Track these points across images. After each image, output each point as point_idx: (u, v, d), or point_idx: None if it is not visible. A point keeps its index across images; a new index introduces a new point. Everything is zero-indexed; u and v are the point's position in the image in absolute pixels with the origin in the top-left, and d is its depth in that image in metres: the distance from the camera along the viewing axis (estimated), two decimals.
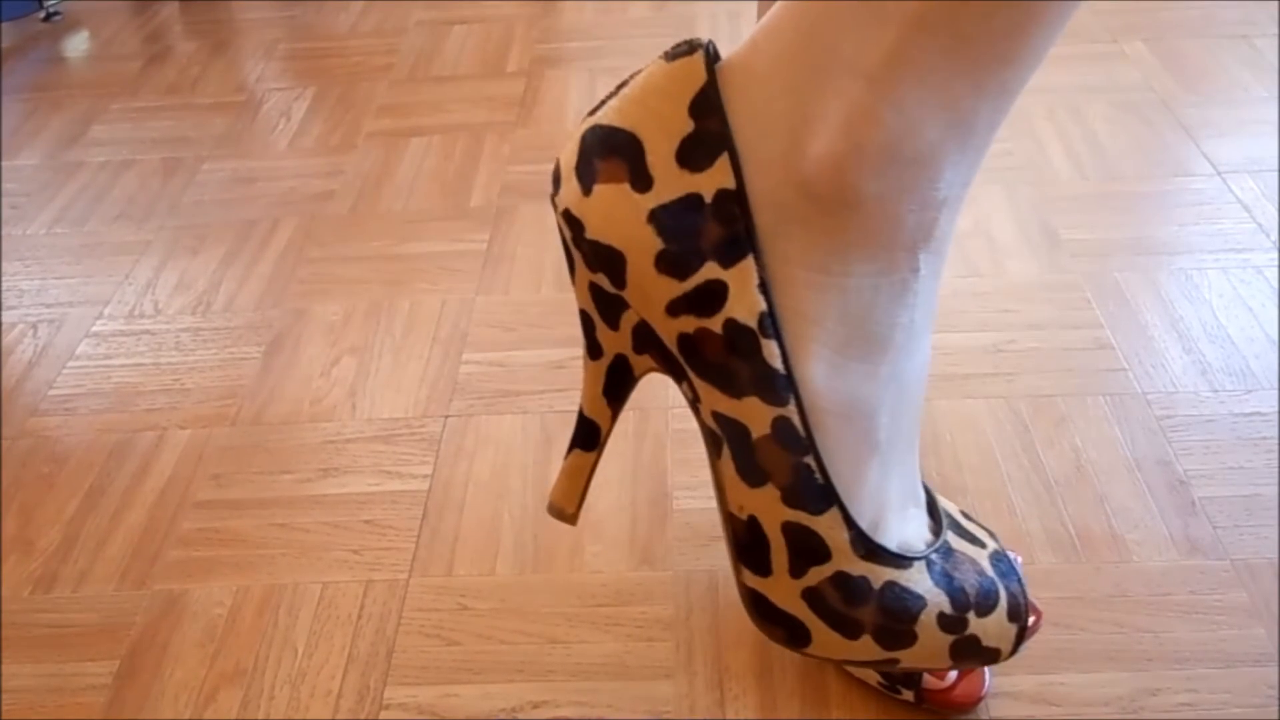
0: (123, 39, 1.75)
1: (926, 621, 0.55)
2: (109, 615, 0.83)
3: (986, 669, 0.72)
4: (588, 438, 0.60)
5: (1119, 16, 1.58)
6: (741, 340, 0.47)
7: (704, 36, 0.52)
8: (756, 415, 0.48)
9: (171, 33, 1.77)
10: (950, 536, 0.58)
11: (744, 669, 0.76)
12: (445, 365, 1.04)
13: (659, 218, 0.47)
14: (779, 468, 0.49)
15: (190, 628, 0.82)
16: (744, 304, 0.47)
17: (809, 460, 0.49)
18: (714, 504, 0.87)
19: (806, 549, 0.51)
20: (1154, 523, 0.85)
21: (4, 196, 1.37)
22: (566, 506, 0.63)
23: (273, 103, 1.53)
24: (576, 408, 0.94)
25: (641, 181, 0.47)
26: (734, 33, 1.60)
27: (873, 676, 0.73)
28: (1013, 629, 0.57)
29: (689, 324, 0.48)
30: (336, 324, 1.11)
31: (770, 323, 0.47)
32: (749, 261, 0.47)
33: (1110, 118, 1.35)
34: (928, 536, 0.58)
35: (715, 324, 0.47)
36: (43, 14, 1.80)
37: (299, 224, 1.27)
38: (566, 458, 0.65)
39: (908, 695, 0.72)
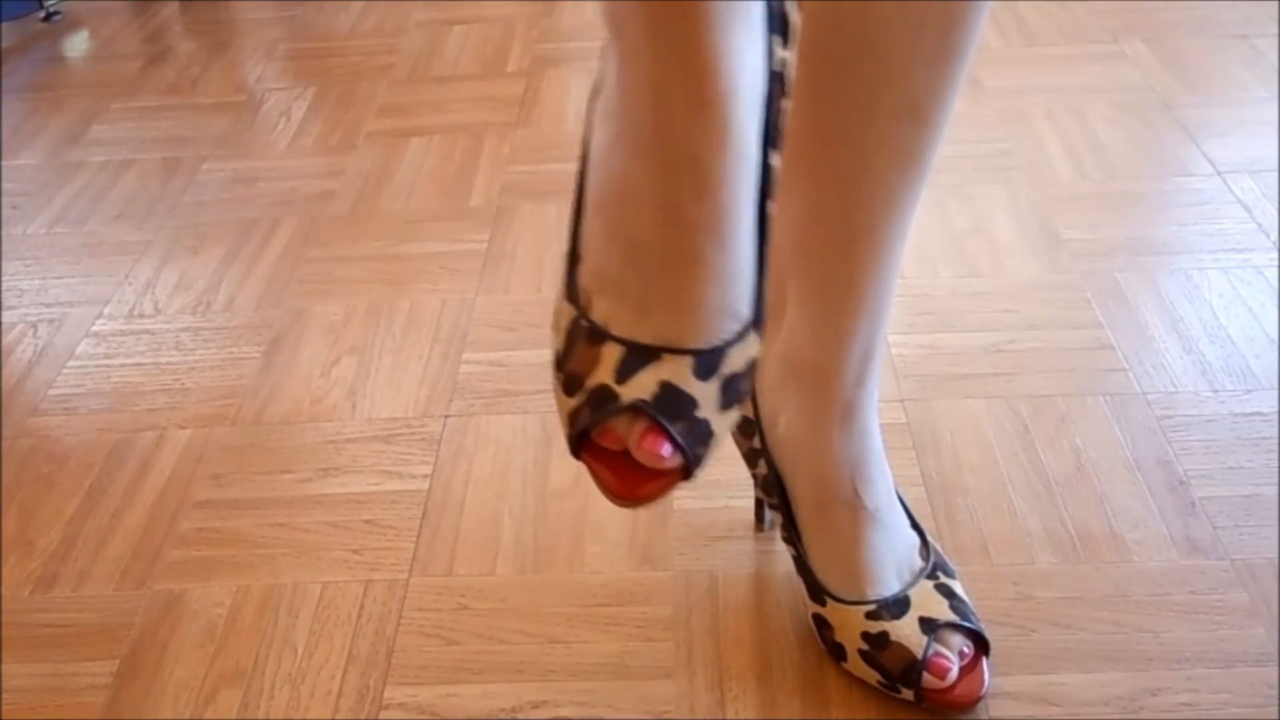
0: (123, 39, 1.75)
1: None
2: (109, 615, 0.83)
3: (986, 669, 0.72)
4: None
5: (1119, 16, 1.58)
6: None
7: None
8: None
9: (171, 33, 1.77)
10: None
11: (744, 669, 0.76)
12: (445, 365, 1.04)
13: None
14: None
15: (190, 627, 0.82)
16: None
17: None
18: (714, 504, 0.88)
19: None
20: (1154, 523, 0.85)
21: (4, 196, 1.37)
22: None
23: (273, 103, 1.53)
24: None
25: None
26: None
27: (872, 676, 0.73)
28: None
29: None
30: (336, 324, 1.11)
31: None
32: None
33: (1110, 118, 1.35)
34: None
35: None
36: (43, 14, 1.80)
37: (299, 224, 1.27)
38: None
39: (907, 695, 0.72)
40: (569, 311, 0.59)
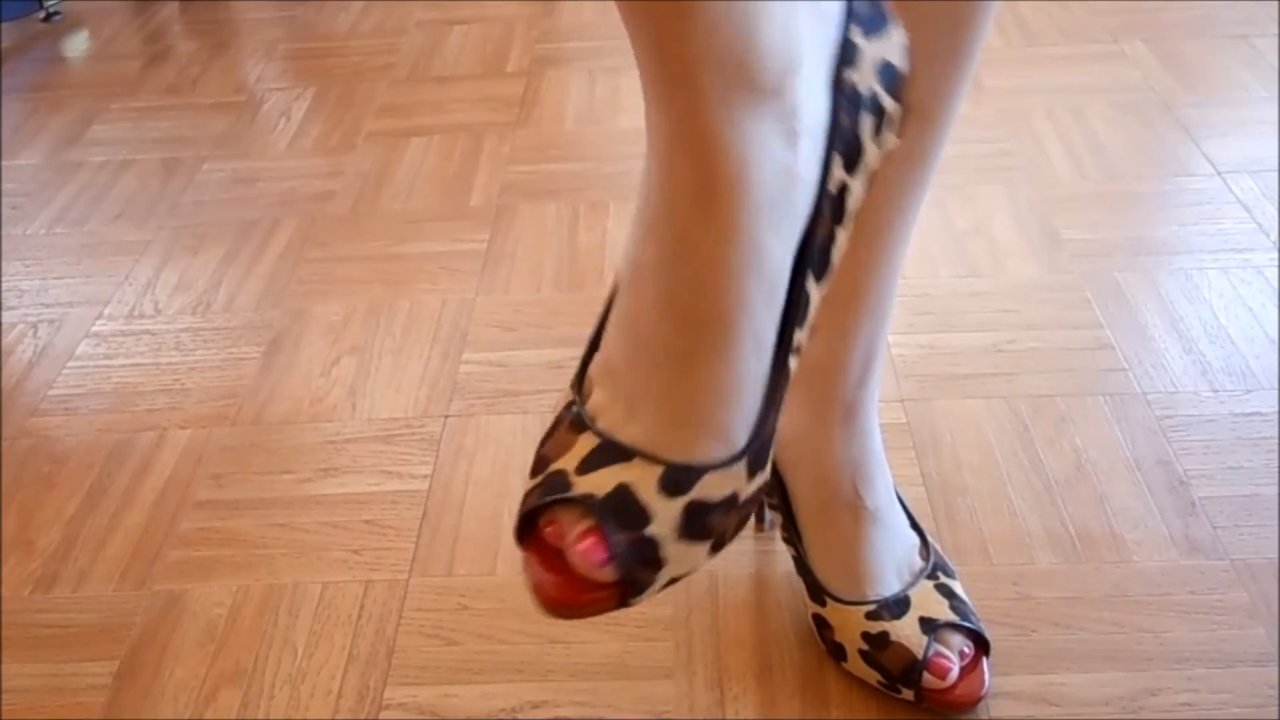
0: (123, 39, 1.75)
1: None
2: (109, 615, 0.83)
3: (986, 669, 0.72)
4: None
5: (1119, 16, 1.58)
6: None
7: None
8: None
9: (171, 33, 1.77)
10: None
11: (744, 669, 0.76)
12: (445, 365, 1.04)
13: None
14: None
15: (190, 628, 0.82)
16: None
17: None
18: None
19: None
20: (1154, 523, 0.85)
21: (4, 196, 1.37)
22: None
23: (273, 103, 1.53)
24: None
25: None
26: None
27: (872, 676, 0.73)
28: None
29: None
30: (336, 324, 1.11)
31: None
32: None
33: (1110, 118, 1.35)
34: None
35: None
36: (43, 14, 1.80)
37: (299, 224, 1.27)
38: None
39: (908, 695, 0.72)
40: (567, 396, 0.57)
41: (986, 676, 0.72)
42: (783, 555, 0.82)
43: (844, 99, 0.53)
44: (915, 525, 0.77)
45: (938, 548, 0.77)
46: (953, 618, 0.73)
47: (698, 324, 0.52)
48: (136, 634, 0.82)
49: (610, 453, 0.53)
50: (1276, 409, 0.94)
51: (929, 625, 0.72)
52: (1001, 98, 1.40)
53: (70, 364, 1.09)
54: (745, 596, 0.81)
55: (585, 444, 0.54)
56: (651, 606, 0.81)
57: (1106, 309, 1.06)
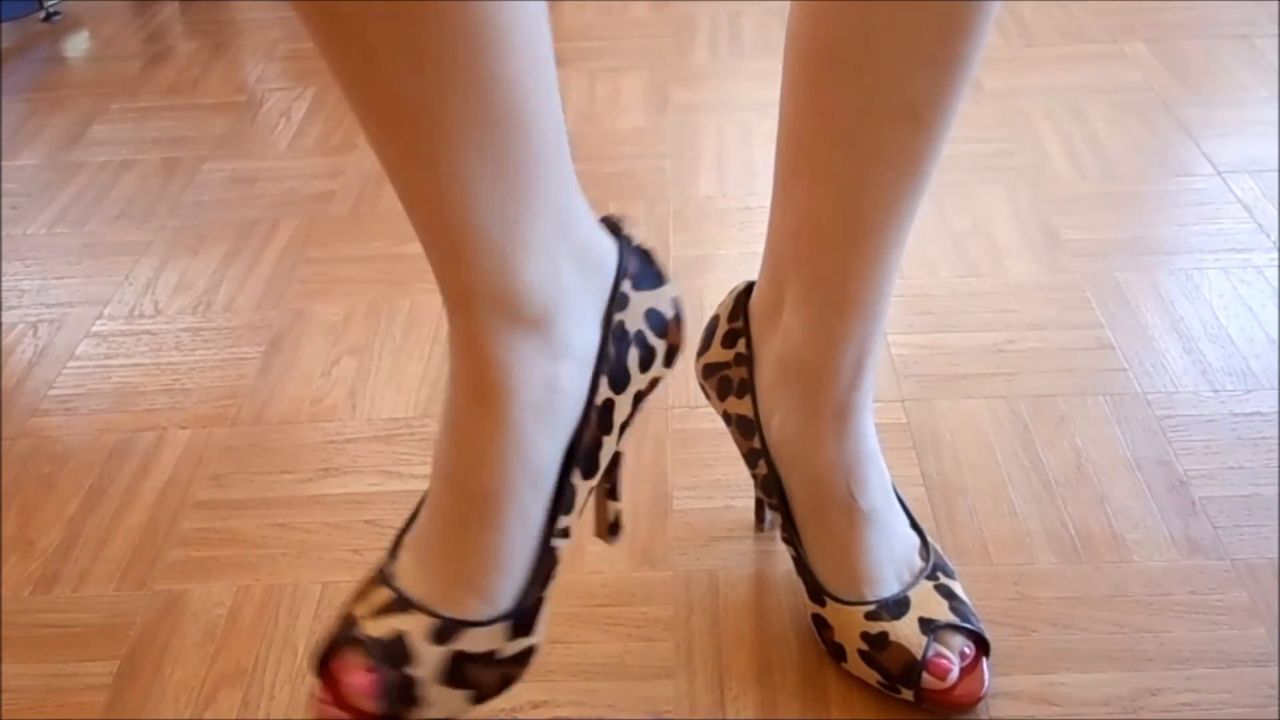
0: (123, 39, 1.75)
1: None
2: (109, 615, 0.83)
3: (986, 669, 0.72)
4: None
5: (1119, 16, 1.58)
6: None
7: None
8: None
9: (172, 33, 1.77)
10: None
11: (744, 669, 0.76)
12: (445, 365, 1.04)
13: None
14: None
15: (191, 628, 0.82)
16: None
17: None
18: (714, 504, 0.88)
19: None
20: (1154, 523, 0.85)
21: (4, 197, 1.37)
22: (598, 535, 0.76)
23: (273, 103, 1.53)
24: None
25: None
26: (734, 32, 1.60)
27: (872, 676, 0.73)
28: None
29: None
30: (336, 324, 1.11)
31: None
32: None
33: (1110, 118, 1.35)
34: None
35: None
36: (43, 14, 1.80)
37: (299, 224, 1.27)
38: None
39: (907, 695, 0.72)
40: (381, 560, 0.67)
41: (986, 677, 0.72)
42: (783, 555, 0.82)
43: (613, 334, 0.65)
44: (915, 525, 0.77)
45: (938, 548, 0.77)
46: (952, 618, 0.73)
47: (471, 500, 0.62)
48: (137, 634, 0.82)
49: (398, 605, 0.64)
50: (1276, 409, 0.94)
51: (929, 626, 0.72)
52: (1001, 98, 1.40)
53: (71, 364, 1.09)
54: (746, 597, 0.81)
55: (381, 597, 0.65)
56: (652, 606, 0.81)
57: (1106, 309, 1.06)
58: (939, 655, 0.71)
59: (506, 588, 0.64)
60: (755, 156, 1.33)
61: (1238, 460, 0.89)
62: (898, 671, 0.71)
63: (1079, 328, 1.04)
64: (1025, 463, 0.90)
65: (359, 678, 0.62)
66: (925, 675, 0.71)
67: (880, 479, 0.75)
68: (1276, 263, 1.10)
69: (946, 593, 0.74)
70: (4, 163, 1.44)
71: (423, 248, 0.59)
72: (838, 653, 0.75)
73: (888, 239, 0.68)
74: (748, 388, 0.76)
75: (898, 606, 0.73)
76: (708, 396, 0.80)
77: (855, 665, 0.74)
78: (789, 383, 0.74)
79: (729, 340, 0.77)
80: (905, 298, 1.08)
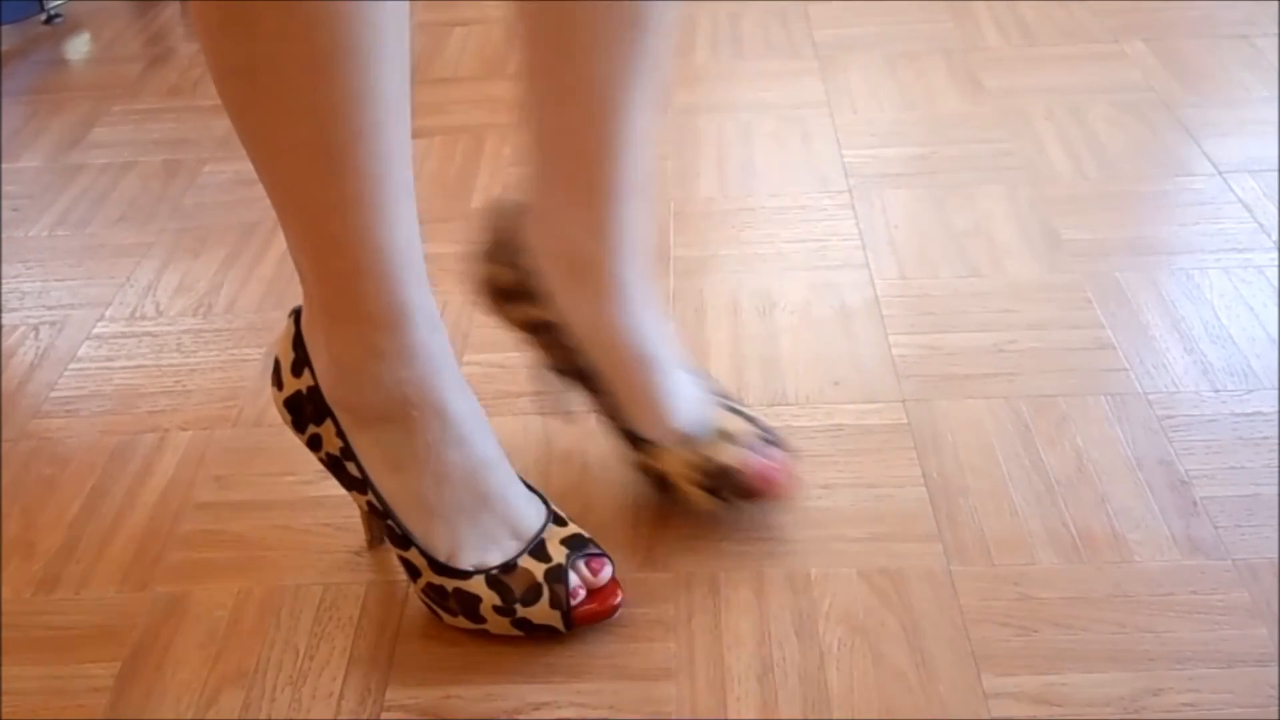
0: (124, 41, 1.75)
1: (486, 610, 0.78)
2: (111, 617, 0.84)
3: (788, 464, 0.84)
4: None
5: (1119, 16, 1.58)
6: (335, 462, 0.80)
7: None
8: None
9: (173, 35, 1.77)
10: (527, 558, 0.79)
11: (745, 670, 0.76)
12: None
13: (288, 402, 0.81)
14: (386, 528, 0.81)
15: (192, 629, 0.82)
16: (330, 443, 0.79)
17: (389, 523, 0.79)
18: (714, 504, 0.88)
19: (410, 568, 0.80)
20: (1155, 523, 0.85)
21: (5, 199, 1.37)
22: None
23: None
24: (577, 408, 0.95)
25: (278, 384, 0.80)
26: (734, 32, 1.60)
27: (703, 497, 0.84)
28: (555, 613, 0.77)
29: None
30: None
31: (348, 451, 0.79)
32: (329, 422, 0.78)
33: (1110, 118, 1.35)
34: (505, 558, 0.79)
35: (323, 457, 0.81)
36: (44, 16, 1.81)
37: None
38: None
39: (735, 500, 0.83)
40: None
41: (789, 467, 0.84)
42: (784, 555, 0.83)
43: None
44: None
45: (711, 381, 0.89)
46: (749, 427, 0.84)
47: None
48: (138, 636, 0.82)
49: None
50: (1277, 409, 0.94)
51: (730, 438, 0.83)
52: (1001, 98, 1.40)
53: (72, 366, 1.09)
54: (746, 597, 0.81)
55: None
56: (653, 607, 0.81)
57: (1107, 309, 1.06)
58: (751, 458, 0.83)
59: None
60: (755, 157, 1.33)
61: (1239, 460, 0.89)
62: (724, 483, 0.83)
63: (1079, 328, 1.04)
64: (1026, 463, 0.90)
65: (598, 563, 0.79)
66: (745, 476, 0.82)
67: (662, 334, 0.84)
68: (1277, 262, 1.10)
69: (732, 410, 0.86)
70: (5, 165, 1.44)
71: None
72: (668, 489, 0.85)
73: (624, 111, 0.76)
74: (538, 295, 0.84)
75: (703, 430, 0.83)
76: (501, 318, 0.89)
77: (688, 494, 0.84)
78: (576, 274, 0.82)
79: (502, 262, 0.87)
80: (905, 298, 1.08)
